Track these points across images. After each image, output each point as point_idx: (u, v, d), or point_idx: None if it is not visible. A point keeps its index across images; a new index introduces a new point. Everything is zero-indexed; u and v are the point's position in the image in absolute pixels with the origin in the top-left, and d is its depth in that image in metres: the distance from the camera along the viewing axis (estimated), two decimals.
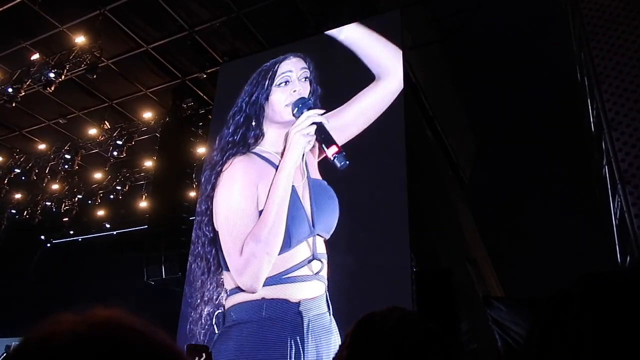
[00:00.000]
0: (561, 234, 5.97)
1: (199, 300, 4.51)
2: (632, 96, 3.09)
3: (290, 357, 3.72)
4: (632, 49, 3.20)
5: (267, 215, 4.14)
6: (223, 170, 4.72)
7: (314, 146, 4.34)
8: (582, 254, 5.01)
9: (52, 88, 6.91)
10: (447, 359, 0.87)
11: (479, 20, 5.84)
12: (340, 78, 4.81)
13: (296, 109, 4.26)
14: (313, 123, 4.09)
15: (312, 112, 4.15)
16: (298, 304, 3.91)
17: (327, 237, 4.16)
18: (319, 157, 4.44)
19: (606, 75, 3.24)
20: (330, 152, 3.94)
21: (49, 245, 12.18)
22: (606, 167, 3.34)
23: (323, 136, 4.03)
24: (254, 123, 4.59)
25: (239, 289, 4.21)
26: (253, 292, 4.09)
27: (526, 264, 5.83)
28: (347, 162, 3.93)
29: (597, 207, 3.84)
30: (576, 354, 0.57)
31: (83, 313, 0.51)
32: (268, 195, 4.18)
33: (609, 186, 3.30)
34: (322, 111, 4.24)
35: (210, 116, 6.66)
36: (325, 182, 4.33)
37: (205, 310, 4.42)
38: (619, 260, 3.23)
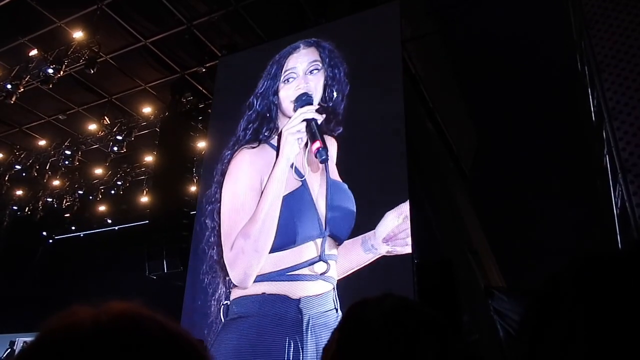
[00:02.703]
0: (562, 224, 5.97)
1: (207, 291, 4.50)
2: (633, 85, 3.07)
3: (289, 354, 3.70)
4: (633, 37, 3.18)
5: (258, 212, 4.10)
6: (232, 158, 4.68)
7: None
8: (584, 244, 5.01)
9: (51, 84, 6.90)
10: (441, 346, 0.86)
11: (479, 10, 5.81)
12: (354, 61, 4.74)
13: (296, 104, 4.28)
14: (304, 120, 4.09)
15: (305, 108, 4.13)
16: (298, 300, 3.88)
17: (343, 239, 4.07)
18: (336, 159, 4.42)
19: (606, 64, 3.22)
20: (314, 147, 4.01)
21: (50, 241, 12.22)
22: (607, 156, 3.33)
23: (312, 131, 4.05)
24: (267, 116, 4.58)
25: None
26: (244, 288, 4.09)
27: (528, 254, 5.83)
28: (327, 157, 3.97)
29: (599, 197, 3.83)
30: (568, 349, 0.55)
31: (101, 305, 0.52)
32: (262, 192, 4.17)
33: (609, 176, 3.29)
34: (316, 107, 4.21)
35: (209, 110, 6.65)
36: (346, 186, 4.24)
37: (212, 300, 4.42)
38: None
